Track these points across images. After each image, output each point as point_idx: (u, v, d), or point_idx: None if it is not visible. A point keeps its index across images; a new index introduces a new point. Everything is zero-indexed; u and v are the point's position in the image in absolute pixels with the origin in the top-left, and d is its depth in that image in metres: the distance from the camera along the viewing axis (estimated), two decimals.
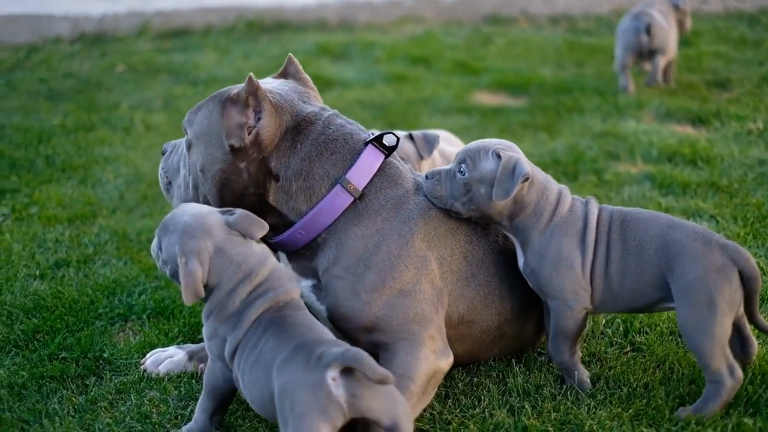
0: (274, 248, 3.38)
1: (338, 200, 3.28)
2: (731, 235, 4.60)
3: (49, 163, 6.21)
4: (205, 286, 2.99)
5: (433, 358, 3.15)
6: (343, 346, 2.78)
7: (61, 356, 3.68)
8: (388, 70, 8.84)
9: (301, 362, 2.74)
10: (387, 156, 3.39)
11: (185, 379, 3.48)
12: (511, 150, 3.32)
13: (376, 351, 3.18)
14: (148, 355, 3.64)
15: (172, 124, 7.25)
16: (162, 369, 3.56)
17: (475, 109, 7.42)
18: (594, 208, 3.32)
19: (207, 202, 3.33)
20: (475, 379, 3.43)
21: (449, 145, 4.65)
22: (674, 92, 7.56)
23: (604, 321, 3.81)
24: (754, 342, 3.34)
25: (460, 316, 3.34)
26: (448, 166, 3.39)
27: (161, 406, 3.31)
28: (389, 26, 10.58)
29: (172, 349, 3.64)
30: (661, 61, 7.57)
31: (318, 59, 9.10)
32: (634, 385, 3.33)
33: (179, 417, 3.25)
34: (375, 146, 3.37)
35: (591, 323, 3.79)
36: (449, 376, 3.46)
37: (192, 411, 3.25)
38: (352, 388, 2.71)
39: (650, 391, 3.30)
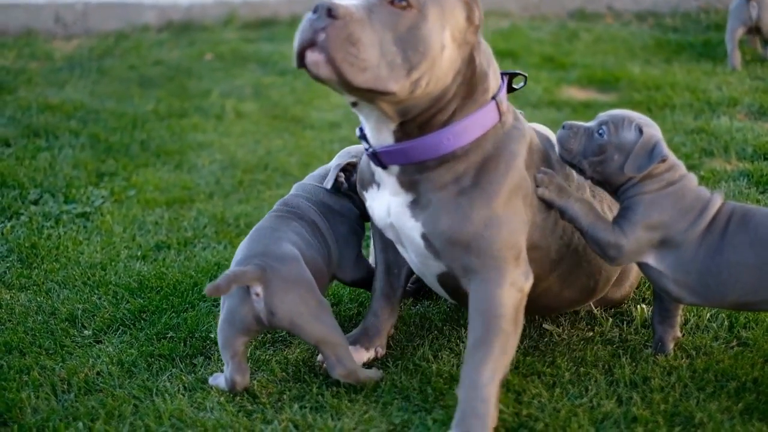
0: (393, 157, 3.18)
1: (490, 116, 3.18)
2: None
3: (145, 148, 6.31)
4: None
5: (519, 287, 3.15)
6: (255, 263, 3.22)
7: (168, 335, 3.73)
8: None
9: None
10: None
11: (291, 361, 3.52)
12: (653, 128, 3.32)
13: (466, 277, 3.20)
14: None
15: (263, 112, 7.33)
16: None
17: (565, 104, 7.39)
18: (718, 199, 3.30)
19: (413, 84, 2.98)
20: (582, 369, 3.42)
21: None
22: (766, 90, 7.47)
23: (708, 315, 3.78)
24: None
25: (531, 243, 3.29)
26: (587, 124, 3.36)
27: (269, 386, 3.35)
28: None
29: None
30: None
31: None
32: (743, 380, 3.31)
33: (286, 397, 3.28)
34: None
35: (695, 317, 3.78)
36: (555, 365, 3.46)
37: (296, 391, 3.29)
38: (270, 304, 3.17)
39: (759, 386, 3.27)
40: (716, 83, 7.78)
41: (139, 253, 4.57)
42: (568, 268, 3.51)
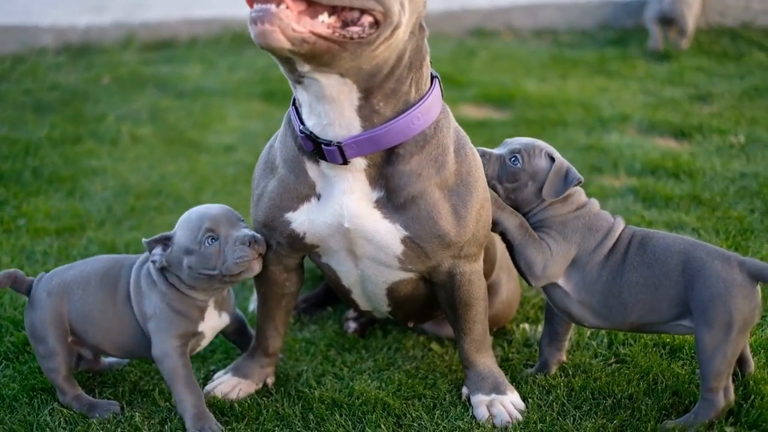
0: (361, 148, 2.99)
1: (439, 92, 3.13)
2: None
3: (37, 175, 6.23)
4: None
5: (482, 273, 3.42)
6: None
7: None
8: None
9: None
10: None
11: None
12: (559, 155, 3.45)
13: (448, 278, 3.31)
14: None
15: (159, 136, 7.27)
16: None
17: (461, 122, 7.36)
18: (621, 222, 3.41)
19: None
20: (464, 390, 3.47)
21: None
22: (657, 106, 7.63)
23: (589, 333, 3.85)
24: (752, 363, 3.44)
25: None
26: (497, 151, 3.44)
27: (152, 417, 3.34)
28: None
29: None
30: (684, 44, 9.32)
31: None
32: (619, 396, 3.39)
33: (168, 428, 3.27)
34: None
35: (576, 335, 3.84)
36: (436, 387, 3.51)
37: (178, 422, 3.29)
38: None
39: (635, 402, 3.35)
40: (609, 99, 7.92)
41: None
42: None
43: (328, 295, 4.21)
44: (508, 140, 3.49)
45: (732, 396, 3.22)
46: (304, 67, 2.82)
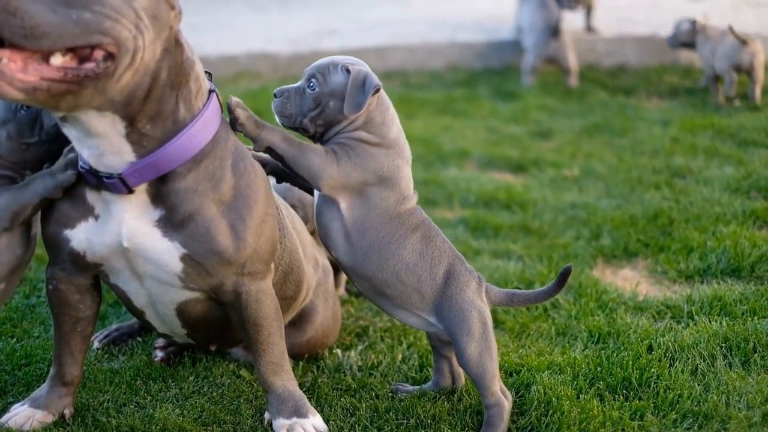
0: (143, 175, 2.97)
1: (217, 107, 3.12)
2: (535, 273, 4.70)
3: None
4: None
5: (272, 287, 3.33)
6: None
7: None
8: None
9: None
10: None
11: None
12: (360, 65, 3.33)
13: (235, 297, 3.24)
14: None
15: None
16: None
17: None
18: (415, 197, 3.45)
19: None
20: (266, 415, 3.41)
21: None
22: (497, 142, 7.70)
23: (400, 357, 3.85)
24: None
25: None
26: (296, 84, 3.33)
27: None
28: (225, 81, 10.52)
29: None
30: (572, 81, 9.51)
31: None
32: (422, 417, 3.37)
33: None
34: None
35: (389, 359, 3.83)
36: (239, 412, 3.46)
37: None
38: None
39: (437, 422, 3.34)
40: (451, 137, 7.97)
41: None
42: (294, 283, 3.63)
43: (142, 325, 4.11)
44: (307, 68, 3.36)
45: (509, 395, 3.32)
46: (58, 114, 2.84)
